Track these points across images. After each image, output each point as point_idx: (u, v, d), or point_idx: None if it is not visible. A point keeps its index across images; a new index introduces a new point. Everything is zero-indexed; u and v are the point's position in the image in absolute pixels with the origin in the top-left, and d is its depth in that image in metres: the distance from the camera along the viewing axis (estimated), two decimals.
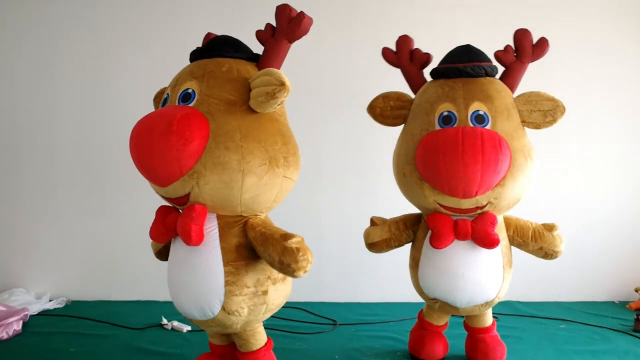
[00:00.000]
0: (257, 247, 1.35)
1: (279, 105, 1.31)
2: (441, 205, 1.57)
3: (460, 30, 2.50)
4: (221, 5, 2.51)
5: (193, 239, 1.30)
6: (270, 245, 1.30)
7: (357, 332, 2.08)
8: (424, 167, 1.52)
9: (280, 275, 1.43)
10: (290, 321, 2.19)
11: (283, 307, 2.35)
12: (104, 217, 2.54)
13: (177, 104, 1.37)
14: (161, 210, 1.41)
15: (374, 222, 1.79)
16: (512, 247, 1.71)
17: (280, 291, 1.45)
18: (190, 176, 1.28)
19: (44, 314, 2.26)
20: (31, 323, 2.11)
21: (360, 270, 2.54)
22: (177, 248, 1.41)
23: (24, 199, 2.52)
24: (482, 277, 1.58)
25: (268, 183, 1.34)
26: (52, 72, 2.52)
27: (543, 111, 1.55)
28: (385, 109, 1.72)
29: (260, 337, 1.50)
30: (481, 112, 1.53)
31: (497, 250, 1.58)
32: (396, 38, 1.74)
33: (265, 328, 2.06)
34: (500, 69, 1.67)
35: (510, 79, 1.63)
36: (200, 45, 1.53)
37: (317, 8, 2.51)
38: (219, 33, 1.54)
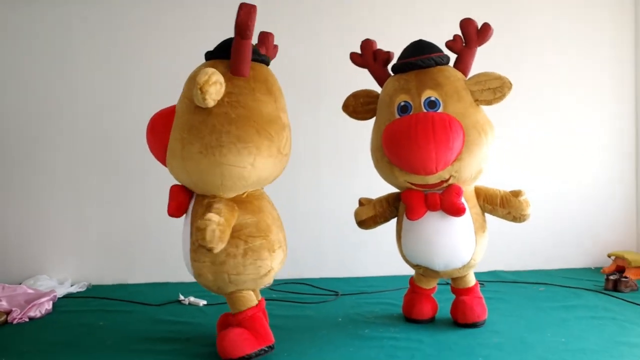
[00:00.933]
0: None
1: None
2: (411, 183, 1.81)
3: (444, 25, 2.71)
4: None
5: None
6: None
7: (358, 300, 2.30)
8: (389, 153, 1.77)
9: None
10: (297, 294, 2.41)
11: (290, 282, 2.61)
12: (120, 205, 2.74)
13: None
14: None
15: (361, 202, 2.01)
16: (488, 214, 1.92)
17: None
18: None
19: (69, 296, 2.46)
20: (59, 304, 2.31)
21: (358, 248, 2.75)
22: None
23: (44, 191, 2.72)
24: (455, 243, 1.82)
25: None
26: (68, 67, 2.71)
27: (492, 89, 1.77)
28: (357, 106, 1.99)
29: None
30: (433, 98, 1.76)
31: (467, 217, 1.80)
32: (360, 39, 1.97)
33: (272, 300, 2.30)
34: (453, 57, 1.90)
35: (461, 64, 1.86)
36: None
37: (318, 9, 2.75)
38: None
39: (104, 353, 1.70)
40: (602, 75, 2.86)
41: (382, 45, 1.98)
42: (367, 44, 1.95)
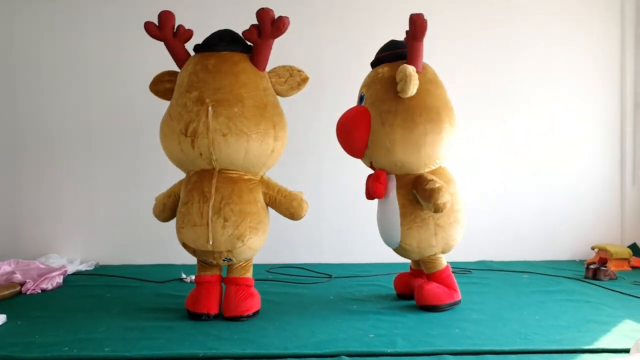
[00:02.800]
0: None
1: None
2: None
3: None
4: None
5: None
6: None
7: (350, 282, 2.44)
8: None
9: None
10: (293, 276, 2.55)
11: (286, 267, 2.74)
12: (128, 189, 2.88)
13: None
14: None
15: None
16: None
17: None
18: None
19: (78, 273, 2.60)
20: (69, 279, 2.46)
21: (355, 235, 2.88)
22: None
23: (55, 173, 2.87)
24: (386, 225, 2.01)
25: None
26: (81, 54, 2.87)
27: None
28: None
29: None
30: (361, 94, 2.05)
31: (394, 201, 1.95)
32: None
33: (270, 281, 2.43)
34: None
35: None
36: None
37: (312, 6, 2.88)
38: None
39: (111, 319, 1.84)
40: (588, 72, 3.00)
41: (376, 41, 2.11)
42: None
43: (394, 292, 2.19)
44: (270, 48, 1.87)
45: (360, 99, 2.03)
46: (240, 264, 1.91)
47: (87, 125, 2.87)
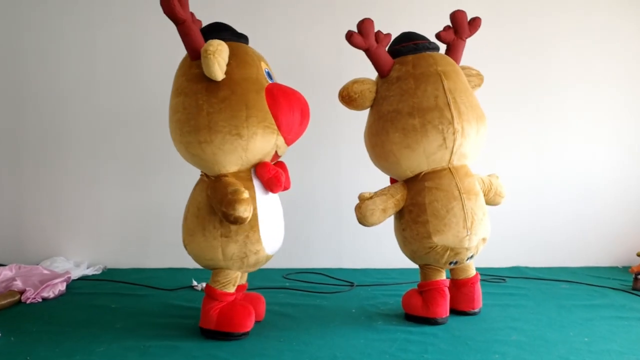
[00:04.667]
0: None
1: None
2: None
3: None
4: None
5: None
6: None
7: (373, 291, 2.24)
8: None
9: None
10: (311, 283, 2.37)
11: (303, 272, 2.56)
12: (138, 190, 2.72)
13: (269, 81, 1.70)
14: (276, 168, 1.71)
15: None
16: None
17: None
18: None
19: (84, 279, 2.45)
20: (73, 285, 2.31)
21: (377, 239, 2.69)
22: (273, 198, 1.75)
23: (64, 174, 2.72)
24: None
25: None
26: (87, 49, 2.70)
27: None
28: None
29: None
30: None
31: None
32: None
33: (287, 289, 2.26)
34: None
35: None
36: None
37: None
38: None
39: (112, 335, 1.68)
40: (630, 65, 2.75)
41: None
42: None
43: None
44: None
45: None
46: None
47: (95, 122, 2.71)
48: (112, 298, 2.14)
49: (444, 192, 1.75)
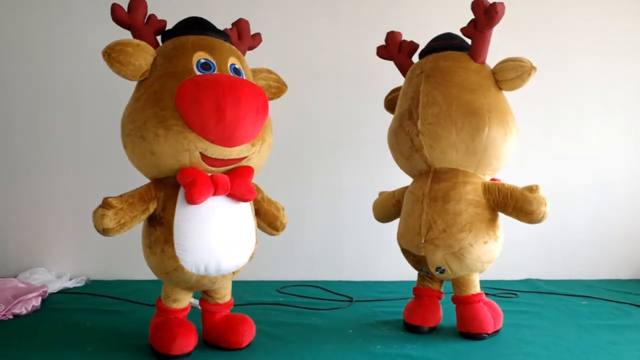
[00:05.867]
0: (266, 205, 1.62)
1: None
2: None
3: None
4: None
5: (254, 195, 1.49)
6: (274, 206, 1.65)
7: (373, 308, 2.06)
8: None
9: None
10: (307, 298, 2.19)
11: (300, 285, 2.39)
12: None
13: (230, 74, 1.46)
14: (201, 173, 1.42)
15: None
16: None
17: None
18: (256, 142, 1.45)
19: (64, 292, 2.29)
20: (50, 300, 2.14)
21: (379, 249, 2.52)
22: (215, 207, 1.44)
23: (45, 179, 2.55)
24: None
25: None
26: (73, 56, 2.54)
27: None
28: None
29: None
30: None
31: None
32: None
33: (281, 305, 2.08)
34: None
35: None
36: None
37: None
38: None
39: None
40: None
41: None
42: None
43: None
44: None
45: None
46: None
47: (77, 125, 2.54)
48: (89, 315, 1.97)
49: (413, 195, 1.72)
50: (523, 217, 1.59)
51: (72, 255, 2.55)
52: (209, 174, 1.43)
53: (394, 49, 1.90)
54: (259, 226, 1.61)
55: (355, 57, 2.50)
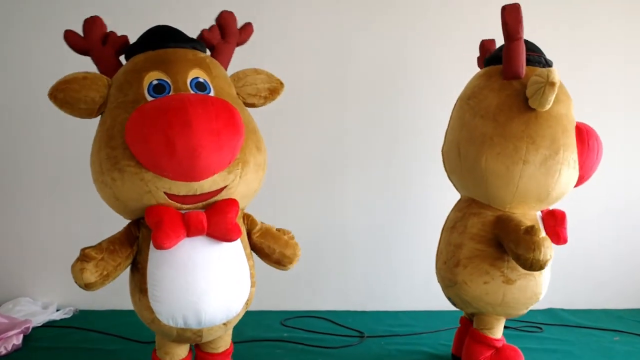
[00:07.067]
0: (258, 239, 1.37)
1: None
2: None
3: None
4: None
5: (239, 233, 1.23)
6: (271, 238, 1.37)
7: (387, 345, 1.89)
8: None
9: None
10: (313, 333, 2.01)
11: (305, 316, 2.22)
12: (114, 221, 2.37)
13: (191, 92, 1.22)
14: (170, 212, 1.19)
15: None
16: None
17: None
18: (233, 168, 1.19)
19: (49, 325, 2.11)
20: (34, 336, 1.96)
21: (389, 276, 2.35)
22: (193, 249, 1.23)
23: (31, 205, 2.37)
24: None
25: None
26: (58, 66, 2.37)
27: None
28: None
29: None
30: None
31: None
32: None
33: (284, 341, 1.91)
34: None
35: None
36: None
37: None
38: None
39: None
40: None
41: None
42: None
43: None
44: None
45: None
46: None
47: (65, 147, 2.35)
48: (76, 354, 1.80)
49: None
50: (515, 260, 1.38)
51: (59, 285, 2.36)
52: (183, 212, 1.21)
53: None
54: (270, 265, 1.41)
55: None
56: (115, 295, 2.33)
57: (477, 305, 1.52)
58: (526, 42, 1.47)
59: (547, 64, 1.51)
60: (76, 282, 1.22)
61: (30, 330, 1.98)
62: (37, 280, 2.37)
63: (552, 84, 1.35)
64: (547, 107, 1.40)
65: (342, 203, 2.35)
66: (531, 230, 1.32)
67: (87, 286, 1.22)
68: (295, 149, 2.32)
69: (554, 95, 1.37)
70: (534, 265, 1.31)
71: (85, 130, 2.31)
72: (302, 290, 2.35)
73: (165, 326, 1.25)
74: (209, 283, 1.23)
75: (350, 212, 2.36)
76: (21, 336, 1.89)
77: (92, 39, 1.31)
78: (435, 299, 2.20)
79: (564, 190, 1.49)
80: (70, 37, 1.32)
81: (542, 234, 1.33)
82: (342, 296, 2.36)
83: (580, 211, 2.34)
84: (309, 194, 2.34)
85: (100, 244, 1.27)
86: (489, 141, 1.43)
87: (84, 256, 1.22)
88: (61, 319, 2.20)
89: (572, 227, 2.32)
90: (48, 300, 2.34)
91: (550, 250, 1.31)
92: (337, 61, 2.31)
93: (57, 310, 2.26)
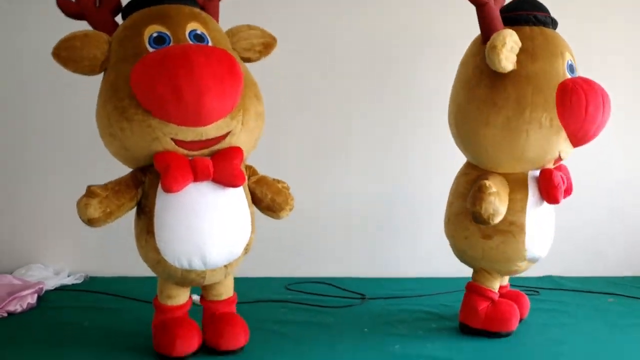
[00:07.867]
0: (252, 184, 1.43)
1: None
2: None
3: None
4: None
5: (243, 179, 1.30)
6: (265, 185, 1.42)
7: (388, 306, 1.94)
8: None
9: None
10: (316, 295, 2.07)
11: (309, 282, 2.27)
12: None
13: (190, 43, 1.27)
14: (178, 157, 1.25)
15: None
16: None
17: None
18: (235, 114, 1.25)
19: (61, 288, 2.18)
20: (47, 297, 2.03)
21: (391, 243, 2.40)
22: (199, 194, 1.30)
23: (43, 172, 2.42)
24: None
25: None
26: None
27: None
28: None
29: None
30: None
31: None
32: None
33: (287, 302, 1.97)
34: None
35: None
36: None
37: None
38: None
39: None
40: None
41: None
42: None
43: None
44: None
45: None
46: None
47: (74, 117, 2.40)
48: (87, 313, 1.86)
49: None
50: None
51: (70, 252, 2.43)
52: (190, 158, 1.26)
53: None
54: (262, 212, 1.46)
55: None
56: (124, 263, 2.41)
57: (464, 259, 1.63)
58: (528, 1, 1.51)
59: (542, 22, 1.50)
60: (80, 217, 1.30)
61: (43, 291, 2.05)
62: (49, 247, 2.44)
63: (493, 47, 1.35)
64: (503, 69, 1.38)
65: (345, 172, 2.40)
66: (481, 187, 1.39)
67: (90, 221, 1.30)
68: (302, 118, 2.37)
69: (504, 57, 1.36)
70: (477, 218, 1.41)
71: (96, 91, 2.39)
72: (306, 258, 2.41)
73: (170, 267, 1.31)
74: (213, 226, 1.30)
75: (353, 184, 2.42)
76: (35, 296, 1.96)
77: (85, 1, 1.35)
78: (438, 268, 2.27)
79: (545, 149, 1.45)
80: (62, 3, 1.36)
81: (491, 191, 1.39)
82: (346, 264, 2.42)
83: (582, 183, 2.38)
84: (312, 163, 2.39)
85: (106, 184, 1.33)
86: (463, 106, 1.52)
87: (89, 192, 1.29)
88: (72, 284, 2.26)
89: (574, 197, 2.39)
90: (59, 266, 2.41)
91: (492, 206, 1.38)
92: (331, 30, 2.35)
93: (68, 276, 2.33)
